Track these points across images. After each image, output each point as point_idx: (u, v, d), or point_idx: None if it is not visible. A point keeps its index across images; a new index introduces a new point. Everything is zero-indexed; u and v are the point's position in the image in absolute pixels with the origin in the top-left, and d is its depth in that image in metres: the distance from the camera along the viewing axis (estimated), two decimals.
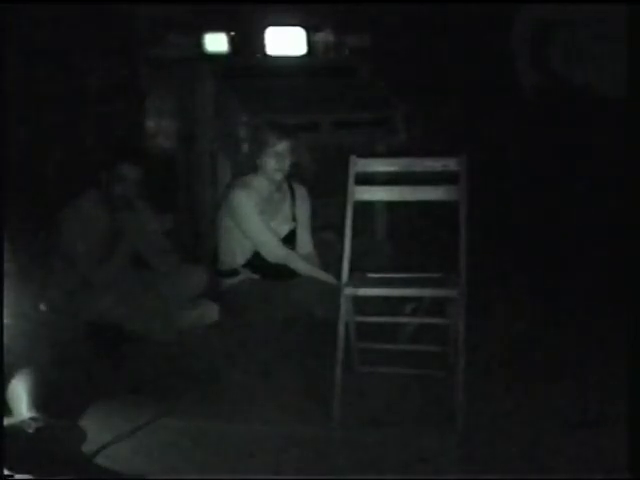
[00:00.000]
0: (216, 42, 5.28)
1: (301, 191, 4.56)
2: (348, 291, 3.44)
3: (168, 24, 5.40)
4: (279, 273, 4.32)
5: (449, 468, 3.00)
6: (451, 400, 3.33)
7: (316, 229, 4.60)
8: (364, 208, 3.62)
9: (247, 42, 5.32)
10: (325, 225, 4.70)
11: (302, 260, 4.36)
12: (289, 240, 4.45)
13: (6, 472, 2.75)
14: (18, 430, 2.88)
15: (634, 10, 3.15)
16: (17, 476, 2.74)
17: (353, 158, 3.59)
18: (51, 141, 5.13)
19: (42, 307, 4.31)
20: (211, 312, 4.52)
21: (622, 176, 2.99)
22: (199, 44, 5.28)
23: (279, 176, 4.37)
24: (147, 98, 5.55)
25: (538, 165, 5.19)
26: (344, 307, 3.45)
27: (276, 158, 4.31)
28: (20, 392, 3.13)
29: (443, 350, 3.66)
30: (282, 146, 4.31)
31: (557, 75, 5.09)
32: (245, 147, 4.93)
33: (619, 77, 3.86)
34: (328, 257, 4.37)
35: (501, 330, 4.35)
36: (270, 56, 5.37)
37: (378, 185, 3.63)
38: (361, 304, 3.55)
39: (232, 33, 5.28)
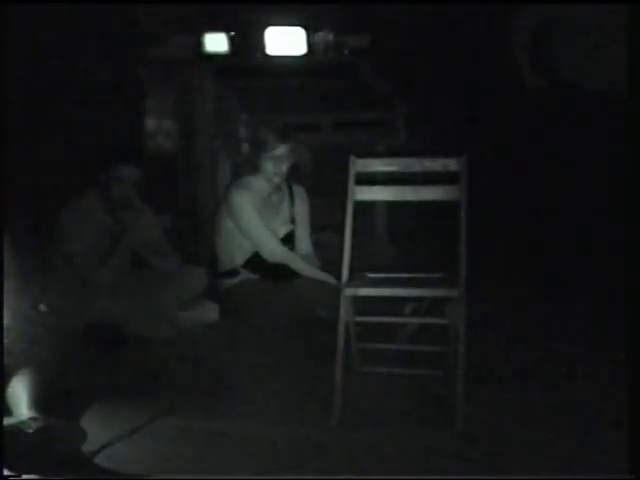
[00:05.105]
0: (216, 42, 5.28)
1: (300, 192, 4.56)
2: (348, 291, 3.44)
3: (168, 24, 5.39)
4: (279, 273, 4.32)
5: (449, 468, 2.99)
6: (451, 400, 3.33)
7: (316, 229, 4.60)
8: (364, 208, 3.62)
9: (247, 42, 5.32)
10: (325, 225, 4.69)
11: (302, 260, 4.36)
12: (288, 241, 4.45)
13: (6, 472, 2.74)
14: (18, 430, 2.87)
15: (634, 10, 3.15)
16: (24, 476, 2.73)
17: (353, 158, 3.58)
18: (51, 141, 5.12)
19: (42, 307, 4.31)
20: (211, 312, 4.52)
21: (622, 176, 2.99)
22: (199, 44, 5.28)
23: (277, 179, 4.37)
24: (147, 98, 5.55)
25: (538, 165, 5.19)
26: (344, 307, 3.44)
27: (274, 162, 4.31)
28: (20, 392, 3.12)
29: (443, 350, 3.66)
30: (281, 150, 4.31)
31: (557, 75, 5.09)
32: (245, 147, 4.94)
33: (619, 77, 3.86)
34: (328, 257, 4.37)
35: (501, 329, 4.35)
36: (270, 56, 5.36)
37: (378, 185, 3.63)
38: (361, 304, 3.54)
39: (232, 33, 5.28)
